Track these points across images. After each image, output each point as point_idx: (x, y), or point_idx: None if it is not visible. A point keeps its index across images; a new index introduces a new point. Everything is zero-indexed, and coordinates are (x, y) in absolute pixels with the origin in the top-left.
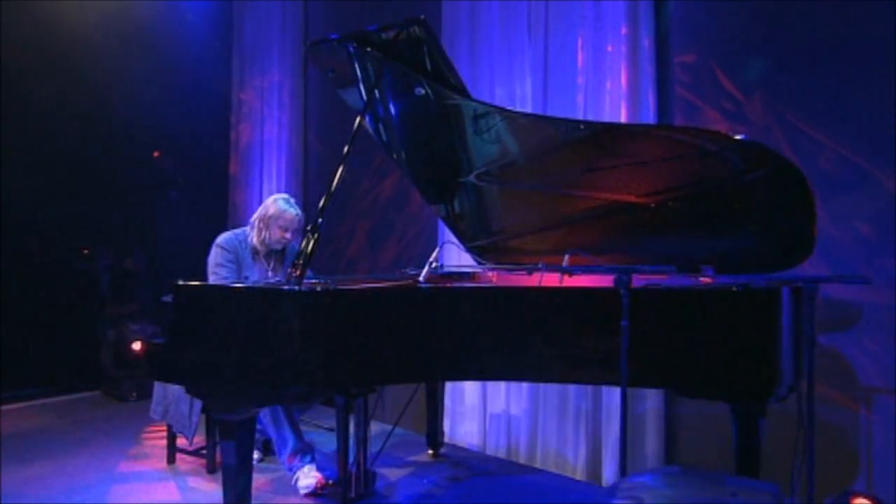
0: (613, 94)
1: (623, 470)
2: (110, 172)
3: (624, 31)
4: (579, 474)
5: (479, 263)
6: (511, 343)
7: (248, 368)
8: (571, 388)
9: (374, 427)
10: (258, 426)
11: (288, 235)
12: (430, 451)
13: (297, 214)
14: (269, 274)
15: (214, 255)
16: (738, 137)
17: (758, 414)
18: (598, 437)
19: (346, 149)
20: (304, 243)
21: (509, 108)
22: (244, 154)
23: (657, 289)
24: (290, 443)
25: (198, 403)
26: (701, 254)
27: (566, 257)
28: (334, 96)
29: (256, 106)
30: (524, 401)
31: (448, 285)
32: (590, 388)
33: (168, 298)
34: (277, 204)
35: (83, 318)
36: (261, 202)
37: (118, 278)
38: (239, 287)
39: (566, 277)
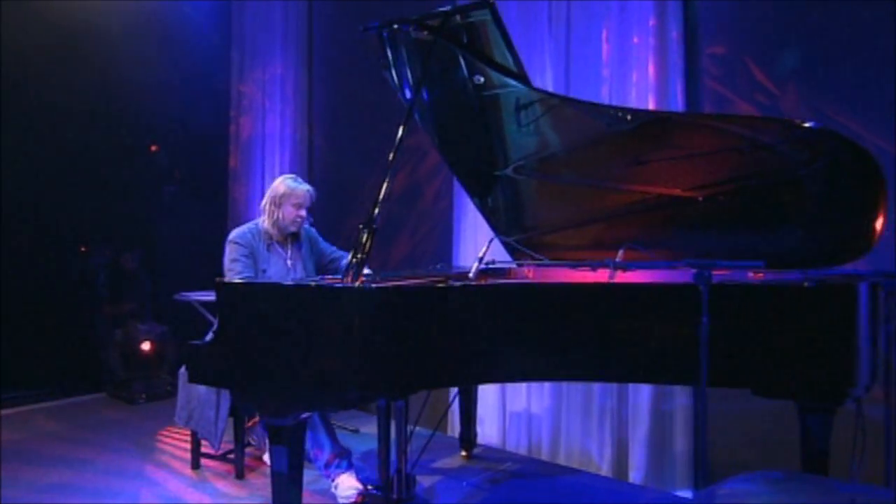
0: (640, 87)
1: (700, 476)
2: (107, 168)
3: (652, 22)
4: (605, 474)
5: (513, 258)
6: (585, 341)
7: (303, 371)
8: (596, 386)
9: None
10: None
11: (302, 213)
12: (464, 453)
13: (307, 190)
14: (289, 264)
15: (229, 252)
16: (807, 125)
17: (830, 413)
18: (624, 436)
19: (399, 133)
20: (359, 238)
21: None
22: (245, 148)
23: (736, 284)
24: (327, 448)
25: (224, 409)
26: (745, 250)
27: (620, 252)
28: (341, 90)
29: (258, 99)
30: (546, 399)
31: (519, 281)
32: (615, 384)
33: (183, 296)
34: (286, 183)
35: (80, 317)
36: (262, 197)
37: (115, 276)
38: (294, 285)
39: (619, 274)
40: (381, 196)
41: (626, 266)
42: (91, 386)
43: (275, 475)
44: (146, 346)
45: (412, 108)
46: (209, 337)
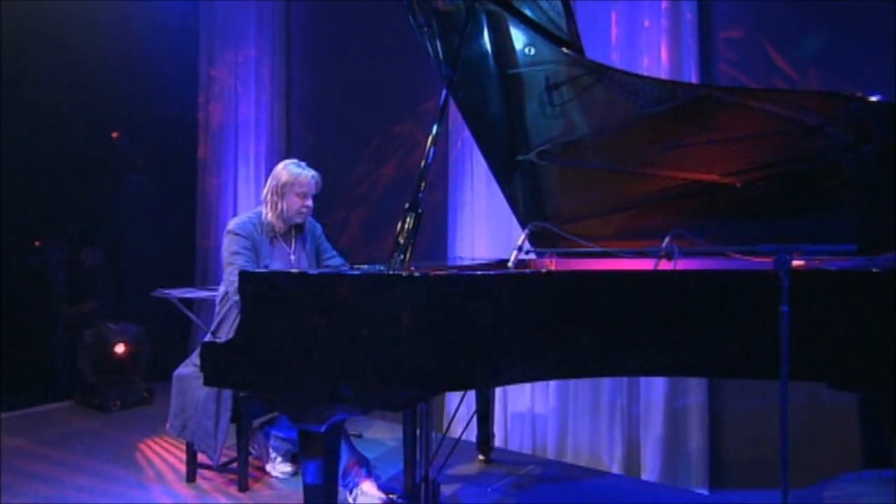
0: (651, 72)
1: (786, 478)
2: (63, 155)
3: (664, 3)
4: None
5: (535, 248)
6: (655, 334)
7: (346, 370)
8: (605, 383)
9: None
10: (286, 435)
11: (308, 203)
12: (481, 457)
13: (312, 176)
14: (292, 259)
15: (228, 243)
16: (873, 99)
17: None
18: (635, 435)
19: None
20: (404, 222)
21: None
22: (215, 136)
23: (819, 271)
24: (345, 454)
25: (225, 419)
26: (784, 239)
27: (667, 239)
28: (322, 73)
29: (229, 84)
30: (551, 398)
31: (586, 269)
32: (624, 381)
33: (161, 294)
34: (289, 169)
35: (36, 319)
36: (236, 189)
37: (75, 274)
38: (335, 274)
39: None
40: (424, 175)
41: (691, 252)
42: (57, 394)
43: (309, 489)
44: (120, 348)
45: (451, 83)
46: (207, 337)
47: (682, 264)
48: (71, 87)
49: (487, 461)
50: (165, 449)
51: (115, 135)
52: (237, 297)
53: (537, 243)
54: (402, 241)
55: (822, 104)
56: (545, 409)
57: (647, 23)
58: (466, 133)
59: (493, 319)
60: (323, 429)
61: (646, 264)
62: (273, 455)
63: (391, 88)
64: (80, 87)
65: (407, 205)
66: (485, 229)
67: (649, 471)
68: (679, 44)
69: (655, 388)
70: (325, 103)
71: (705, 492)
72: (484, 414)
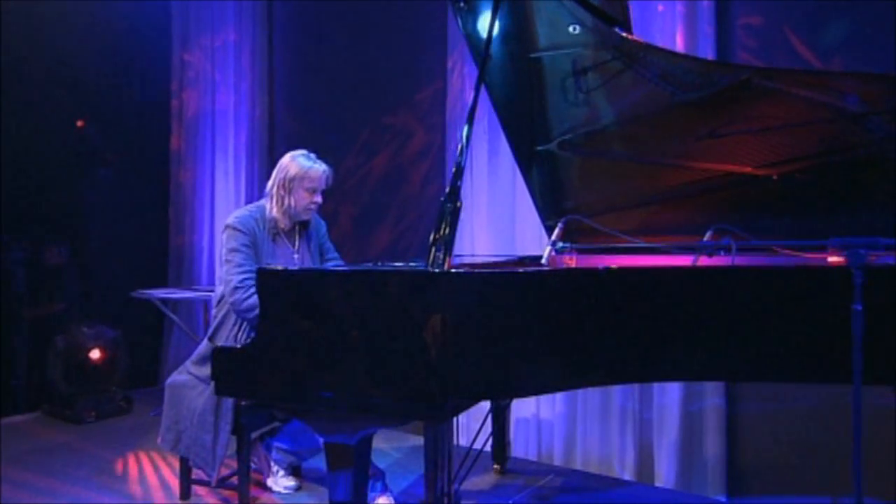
0: None
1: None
2: (24, 145)
3: None
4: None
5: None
6: (716, 335)
7: (383, 378)
8: (615, 388)
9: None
10: (289, 447)
11: (317, 199)
12: (496, 467)
13: (324, 171)
14: (295, 258)
15: (227, 239)
16: None
17: None
18: (648, 441)
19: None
20: (443, 214)
21: None
22: (191, 126)
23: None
24: None
25: (224, 432)
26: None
27: (708, 234)
28: (308, 58)
29: (206, 70)
30: (558, 404)
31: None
32: (636, 385)
33: (140, 294)
34: (298, 161)
35: None
36: (213, 184)
37: (37, 274)
38: (370, 271)
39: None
40: (461, 165)
41: (747, 245)
42: (21, 404)
43: None
44: (95, 353)
45: (484, 67)
46: (203, 343)
47: (720, 261)
48: (32, 72)
49: (503, 471)
50: (153, 463)
51: (80, 123)
52: (231, 300)
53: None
54: (440, 236)
55: (868, 90)
56: (552, 415)
57: (661, 7)
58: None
59: (548, 320)
60: (354, 441)
61: (671, 260)
62: (275, 469)
63: (382, 76)
64: (41, 72)
65: (444, 197)
66: (485, 226)
67: (663, 478)
68: (695, 30)
69: (670, 392)
70: (311, 92)
71: (723, 499)
72: (499, 422)
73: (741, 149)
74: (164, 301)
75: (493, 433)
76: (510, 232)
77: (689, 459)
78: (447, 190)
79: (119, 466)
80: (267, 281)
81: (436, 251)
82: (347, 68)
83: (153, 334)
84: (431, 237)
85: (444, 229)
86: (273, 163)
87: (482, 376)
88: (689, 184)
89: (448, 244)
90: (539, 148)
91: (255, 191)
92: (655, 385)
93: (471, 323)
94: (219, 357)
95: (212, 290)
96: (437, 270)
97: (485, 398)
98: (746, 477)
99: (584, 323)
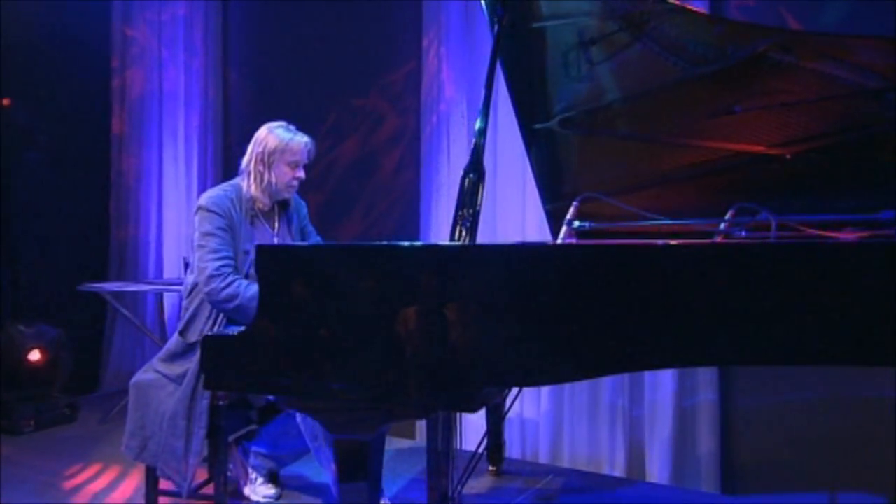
0: None
1: None
2: None
3: None
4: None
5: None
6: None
7: (407, 362)
8: (604, 383)
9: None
10: (268, 452)
11: (300, 174)
12: (492, 468)
13: (306, 143)
14: (276, 242)
15: (200, 221)
16: None
17: None
18: (639, 438)
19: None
20: (467, 187)
21: None
22: (134, 108)
23: None
24: None
25: (198, 437)
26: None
27: (730, 213)
28: (268, 33)
29: (151, 46)
30: (544, 402)
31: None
32: (626, 381)
33: (89, 288)
34: (277, 133)
35: None
36: (160, 170)
37: None
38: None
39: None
40: (482, 137)
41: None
42: None
43: None
44: (34, 355)
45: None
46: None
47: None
48: None
49: (498, 472)
50: (107, 476)
51: (5, 102)
52: (207, 289)
53: (555, 221)
54: (467, 209)
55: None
56: (536, 414)
57: None
58: (442, 107)
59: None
60: (370, 437)
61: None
62: (253, 476)
63: (351, 55)
64: None
65: (466, 169)
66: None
67: (655, 476)
68: None
69: (661, 387)
70: (271, 71)
71: (717, 496)
72: (495, 421)
73: (754, 126)
74: (117, 295)
75: (487, 433)
76: (493, 218)
77: (682, 457)
78: (470, 160)
79: (69, 481)
80: (268, 259)
81: (460, 225)
82: (312, 46)
83: (95, 333)
84: (454, 214)
85: (472, 203)
86: (228, 148)
87: (517, 360)
88: (698, 164)
89: (475, 218)
90: (536, 126)
91: (209, 179)
92: (647, 381)
93: (505, 301)
94: (209, 346)
95: (167, 284)
96: (468, 245)
97: (521, 384)
98: (741, 473)
99: (631, 302)
